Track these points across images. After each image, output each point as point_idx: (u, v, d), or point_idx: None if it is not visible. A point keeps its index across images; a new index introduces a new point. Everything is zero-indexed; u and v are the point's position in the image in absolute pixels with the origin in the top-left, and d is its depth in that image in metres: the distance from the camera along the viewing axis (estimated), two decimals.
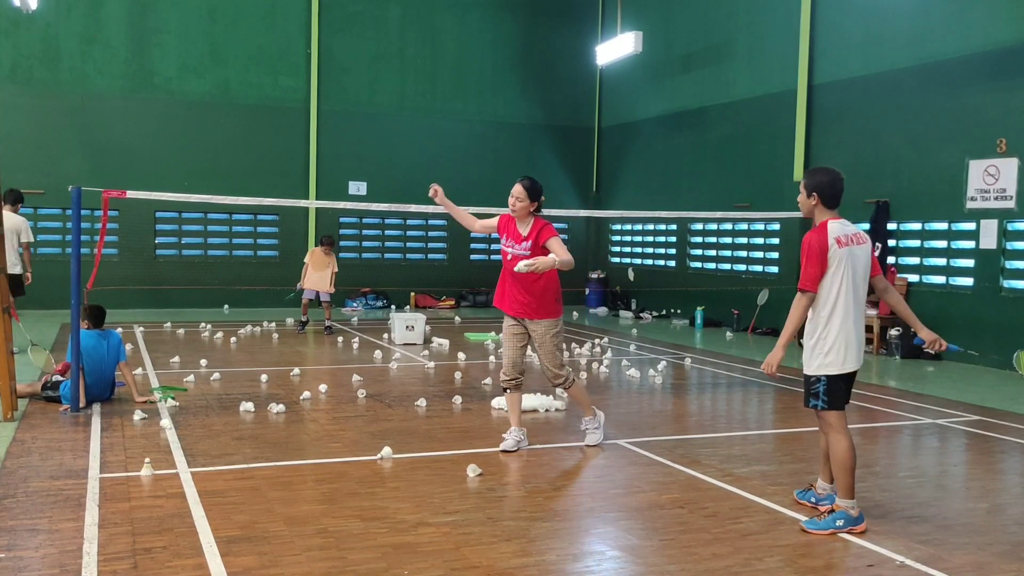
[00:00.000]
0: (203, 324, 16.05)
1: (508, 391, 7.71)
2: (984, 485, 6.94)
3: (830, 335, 5.67)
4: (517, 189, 7.47)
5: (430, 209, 12.56)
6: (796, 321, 5.73)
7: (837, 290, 5.66)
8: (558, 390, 8.70)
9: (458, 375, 11.48)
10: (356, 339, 14.68)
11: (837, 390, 5.71)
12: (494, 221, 7.81)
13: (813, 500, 6.08)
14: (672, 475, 6.93)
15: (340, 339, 14.86)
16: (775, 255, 17.74)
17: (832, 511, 5.70)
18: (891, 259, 14.92)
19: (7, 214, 12.82)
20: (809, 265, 5.66)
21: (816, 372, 5.72)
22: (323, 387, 10.13)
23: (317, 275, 15.70)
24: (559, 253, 7.19)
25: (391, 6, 21.30)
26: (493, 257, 22.87)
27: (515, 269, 7.06)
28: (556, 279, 7.54)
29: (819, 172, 5.91)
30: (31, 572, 4.68)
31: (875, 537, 5.53)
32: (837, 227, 5.73)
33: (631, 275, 13.11)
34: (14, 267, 12.48)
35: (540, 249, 7.35)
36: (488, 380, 10.99)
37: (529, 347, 7.72)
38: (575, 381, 7.77)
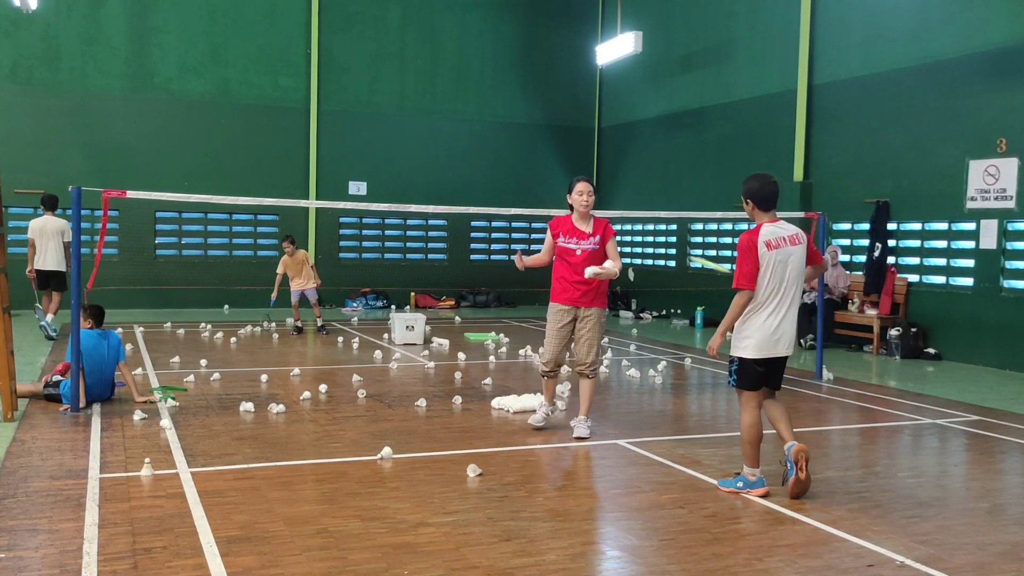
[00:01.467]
0: (203, 324, 16.04)
1: (547, 378, 8.38)
2: (984, 485, 6.94)
3: (750, 326, 6.27)
4: (587, 187, 8.09)
5: (430, 209, 12.62)
6: (732, 316, 6.29)
7: (763, 289, 6.19)
8: (558, 389, 8.80)
9: (458, 375, 11.48)
10: (356, 339, 14.68)
11: (748, 373, 6.32)
12: (548, 239, 8.31)
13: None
14: (672, 475, 6.93)
15: (340, 339, 14.85)
16: None
17: (738, 473, 6.54)
18: (891, 259, 14.92)
19: (51, 218, 14.31)
20: (742, 263, 6.22)
21: (733, 353, 6.42)
22: (323, 387, 10.13)
23: (299, 277, 15.46)
24: (616, 259, 8.04)
25: (391, 6, 21.30)
26: (493, 257, 22.87)
27: (587, 275, 7.78)
28: None
29: (751, 179, 6.56)
30: (31, 572, 4.68)
31: (875, 537, 5.53)
32: (769, 230, 6.27)
33: (631, 275, 13.10)
34: (59, 265, 14.11)
35: (604, 246, 8.09)
36: (488, 380, 10.98)
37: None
38: (597, 376, 8.35)
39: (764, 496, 6.28)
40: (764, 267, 6.14)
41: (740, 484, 6.39)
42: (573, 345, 8.29)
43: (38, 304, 14.82)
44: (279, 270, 15.47)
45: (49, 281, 14.34)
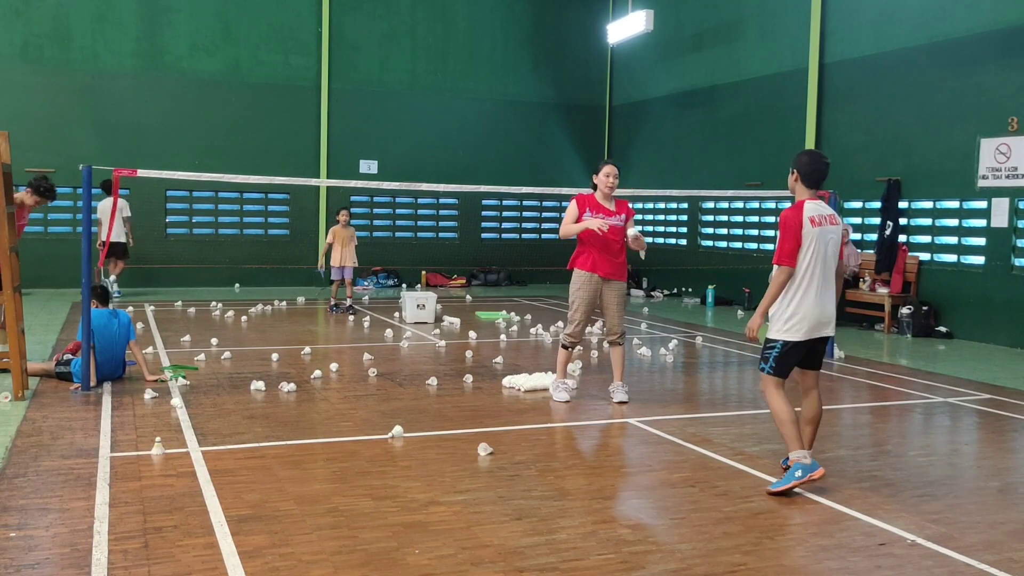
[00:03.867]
0: (214, 303, 16.08)
1: (571, 348, 8.79)
2: (996, 464, 6.92)
3: (797, 308, 6.00)
4: (614, 170, 8.63)
5: (441, 187, 12.58)
6: (774, 293, 6.04)
7: (807, 266, 6.01)
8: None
9: (469, 354, 11.48)
10: (367, 318, 14.69)
11: (788, 358, 6.07)
12: (574, 209, 8.64)
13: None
14: (683, 454, 6.93)
15: (351, 318, 14.85)
16: None
17: (788, 467, 6.01)
18: (902, 238, 14.85)
19: (110, 199, 15.51)
20: (785, 240, 6.01)
21: (776, 336, 6.09)
22: (334, 366, 10.14)
23: (345, 250, 15.37)
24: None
25: None
26: (504, 236, 22.83)
27: (630, 234, 8.50)
28: None
29: (804, 153, 6.32)
30: (42, 551, 4.71)
31: (886, 516, 5.52)
32: (812, 207, 6.08)
33: (642, 254, 13.03)
34: (118, 236, 16.67)
35: (626, 224, 8.65)
36: (499, 359, 10.96)
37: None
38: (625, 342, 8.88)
39: (822, 477, 5.88)
40: (808, 243, 5.94)
41: (799, 473, 5.82)
42: (602, 316, 8.75)
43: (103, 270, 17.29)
44: (328, 239, 15.44)
45: (113, 250, 16.57)
